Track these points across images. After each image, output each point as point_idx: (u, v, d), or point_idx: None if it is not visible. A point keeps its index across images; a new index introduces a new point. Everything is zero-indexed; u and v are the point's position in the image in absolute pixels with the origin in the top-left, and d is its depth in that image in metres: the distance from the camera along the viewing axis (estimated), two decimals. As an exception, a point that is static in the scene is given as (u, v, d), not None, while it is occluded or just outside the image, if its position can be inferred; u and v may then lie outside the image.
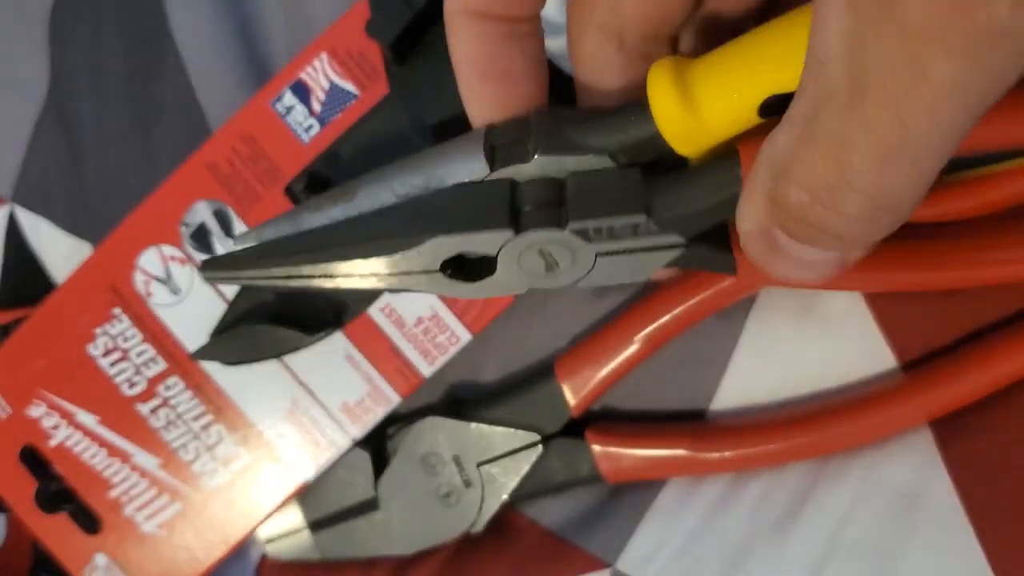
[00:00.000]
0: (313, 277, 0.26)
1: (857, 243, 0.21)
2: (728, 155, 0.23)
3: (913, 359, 0.35)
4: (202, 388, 0.37)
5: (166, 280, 0.36)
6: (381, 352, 0.36)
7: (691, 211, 0.23)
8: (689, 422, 0.37)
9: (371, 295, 0.36)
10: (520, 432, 0.36)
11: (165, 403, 0.37)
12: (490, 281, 0.25)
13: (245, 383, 0.36)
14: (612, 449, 0.36)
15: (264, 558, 0.40)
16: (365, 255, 0.25)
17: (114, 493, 0.37)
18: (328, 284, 0.26)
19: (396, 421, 0.38)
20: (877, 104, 0.18)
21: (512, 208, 0.24)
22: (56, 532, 0.38)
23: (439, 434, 0.37)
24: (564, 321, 0.38)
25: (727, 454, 0.35)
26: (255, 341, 0.35)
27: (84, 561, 0.38)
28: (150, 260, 0.36)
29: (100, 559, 0.38)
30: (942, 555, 0.32)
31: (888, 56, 0.17)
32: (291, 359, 0.36)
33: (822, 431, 0.34)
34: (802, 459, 0.35)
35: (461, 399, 0.39)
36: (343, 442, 0.37)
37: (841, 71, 0.18)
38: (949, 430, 0.34)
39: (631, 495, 0.37)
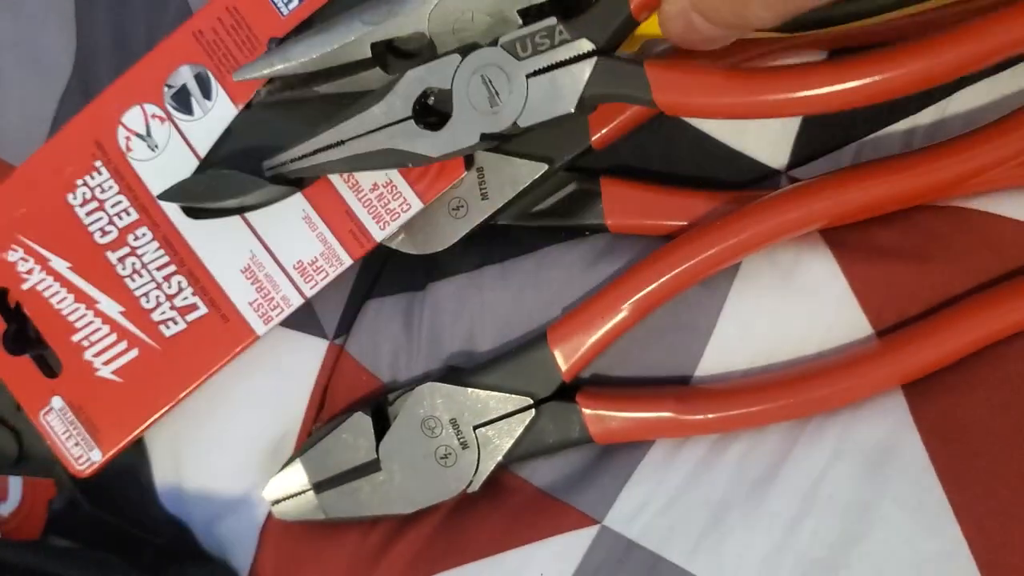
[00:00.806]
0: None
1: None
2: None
3: (887, 326, 0.37)
4: (168, 240, 0.39)
5: (146, 136, 0.39)
6: (337, 214, 0.38)
7: (595, 13, 0.27)
8: (674, 386, 0.39)
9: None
10: (514, 396, 0.38)
11: (133, 252, 0.39)
12: (450, 129, 0.30)
13: (208, 236, 0.39)
14: (601, 412, 0.38)
15: (270, 517, 0.42)
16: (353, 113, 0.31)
17: (76, 337, 0.39)
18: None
19: (396, 390, 0.41)
20: None
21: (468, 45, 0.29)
22: (19, 374, 0.40)
23: (437, 399, 0.39)
24: (556, 291, 0.40)
25: (710, 416, 0.37)
26: (216, 184, 0.37)
27: (43, 404, 0.40)
28: (133, 117, 0.39)
29: (56, 401, 0.39)
30: (912, 510, 0.34)
31: None
32: (252, 217, 0.38)
33: (800, 394, 0.36)
34: (781, 421, 0.37)
35: (458, 367, 0.41)
36: (295, 300, 0.39)
37: None
38: (920, 393, 0.36)
39: (619, 456, 0.39)
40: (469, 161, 0.38)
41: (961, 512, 0.33)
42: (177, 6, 0.43)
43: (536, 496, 0.39)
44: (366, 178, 0.38)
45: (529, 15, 0.33)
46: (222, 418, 0.43)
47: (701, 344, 0.39)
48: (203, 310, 0.39)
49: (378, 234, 0.38)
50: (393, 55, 0.36)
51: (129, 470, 0.45)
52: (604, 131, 0.39)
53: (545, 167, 0.39)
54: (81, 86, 0.44)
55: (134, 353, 0.39)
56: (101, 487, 0.45)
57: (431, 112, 0.31)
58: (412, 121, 0.31)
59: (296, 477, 0.40)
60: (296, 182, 0.38)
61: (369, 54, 0.35)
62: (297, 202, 0.38)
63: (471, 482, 0.39)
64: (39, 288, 0.40)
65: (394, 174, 0.38)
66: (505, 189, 0.39)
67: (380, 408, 0.40)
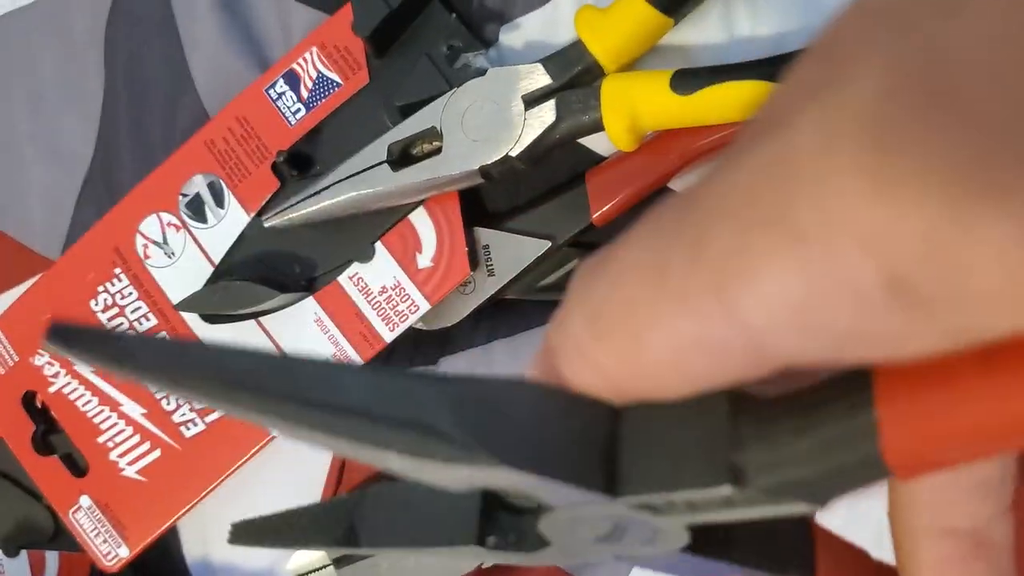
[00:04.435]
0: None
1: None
2: (855, 380, 0.15)
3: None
4: (186, 344, 0.40)
5: (162, 244, 0.40)
6: (347, 317, 0.39)
7: (803, 478, 0.15)
8: None
9: (342, 265, 0.39)
10: None
11: (153, 356, 0.41)
12: (551, 550, 0.18)
13: (224, 339, 0.40)
14: None
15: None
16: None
17: (102, 439, 0.41)
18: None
19: None
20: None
21: None
22: (48, 474, 0.41)
23: None
24: None
25: None
26: (231, 295, 0.38)
27: (72, 501, 0.41)
28: (150, 226, 0.40)
29: (84, 500, 0.41)
30: None
31: None
32: (266, 320, 0.40)
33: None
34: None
35: None
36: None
37: None
38: None
39: None
40: (474, 261, 0.39)
41: None
42: (190, 101, 0.44)
43: (550, 570, 0.40)
44: (375, 281, 0.39)
45: (533, 100, 0.36)
46: (245, 494, 0.44)
47: None
48: (220, 412, 0.40)
49: (387, 336, 0.39)
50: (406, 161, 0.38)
51: (161, 545, 0.47)
52: (604, 208, 0.39)
53: (548, 244, 0.40)
54: (103, 175, 0.46)
55: (157, 454, 0.41)
56: (134, 562, 0.47)
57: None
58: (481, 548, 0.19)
59: (317, 552, 0.41)
60: (307, 287, 0.39)
61: (384, 157, 0.37)
62: (309, 306, 0.39)
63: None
64: (65, 391, 0.41)
65: (402, 276, 0.39)
66: (510, 266, 0.40)
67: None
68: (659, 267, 0.14)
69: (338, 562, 0.41)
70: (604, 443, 0.16)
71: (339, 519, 0.19)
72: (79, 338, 0.14)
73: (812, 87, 0.13)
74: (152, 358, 0.14)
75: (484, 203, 0.40)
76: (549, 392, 0.16)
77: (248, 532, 0.20)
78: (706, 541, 0.17)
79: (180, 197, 0.40)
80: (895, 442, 0.14)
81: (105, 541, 0.41)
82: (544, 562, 0.18)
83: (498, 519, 0.17)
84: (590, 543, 0.17)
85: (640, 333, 0.14)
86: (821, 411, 0.15)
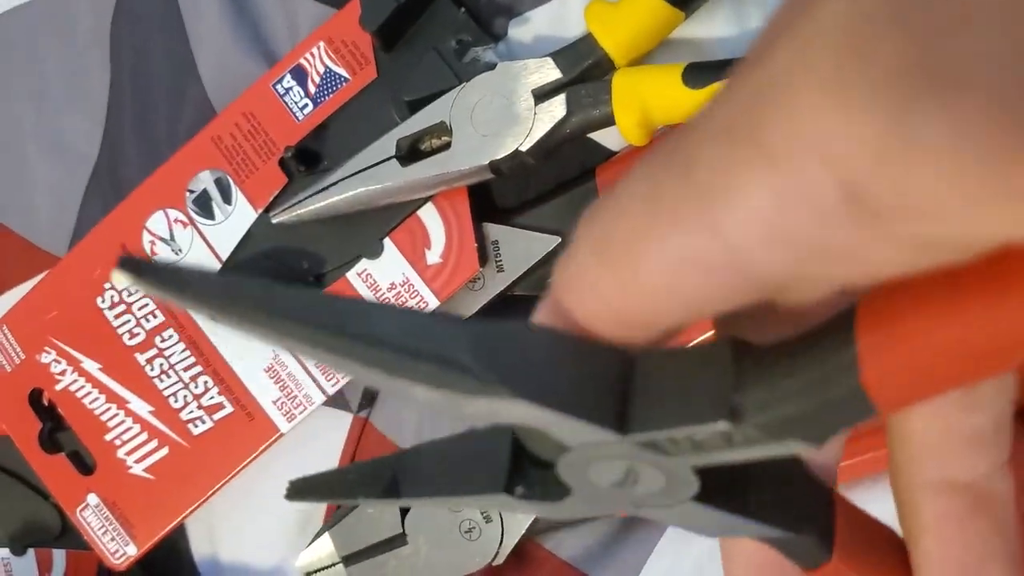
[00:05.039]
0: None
1: None
2: (841, 320, 0.15)
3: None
4: (194, 341, 0.40)
5: (169, 240, 0.40)
6: (356, 314, 0.39)
7: (793, 414, 0.16)
8: None
9: (351, 262, 0.39)
10: None
11: (160, 353, 0.40)
12: (573, 500, 0.18)
13: (232, 337, 0.40)
14: None
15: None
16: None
17: (109, 436, 0.41)
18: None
19: None
20: None
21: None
22: (55, 472, 0.41)
23: None
24: None
25: None
26: (239, 291, 0.38)
27: (79, 499, 0.41)
28: (157, 222, 0.40)
29: (92, 498, 0.41)
30: None
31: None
32: (275, 317, 0.39)
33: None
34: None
35: None
36: (317, 398, 0.40)
37: None
38: None
39: (642, 528, 0.39)
40: (483, 257, 0.39)
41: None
42: (196, 97, 0.44)
43: (561, 568, 0.40)
44: (384, 277, 0.39)
45: (543, 95, 0.36)
46: (253, 491, 0.44)
47: None
48: (229, 409, 0.40)
49: (397, 332, 0.39)
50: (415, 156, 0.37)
51: (169, 543, 0.47)
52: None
53: (558, 239, 0.40)
54: (109, 172, 0.45)
55: (164, 451, 0.40)
56: (142, 560, 0.47)
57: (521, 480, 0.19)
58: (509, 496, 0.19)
59: (326, 550, 0.41)
60: (316, 283, 0.39)
61: (393, 152, 0.37)
62: (317, 303, 0.39)
63: (496, 554, 0.39)
64: (72, 389, 0.41)
65: (411, 273, 0.39)
66: (520, 262, 0.40)
67: None
68: (654, 193, 0.15)
69: (347, 560, 0.41)
70: (616, 385, 0.17)
71: (383, 474, 0.20)
72: (146, 269, 0.15)
73: (789, 20, 0.13)
74: (207, 289, 0.15)
75: (493, 198, 0.40)
76: (565, 337, 0.17)
77: (303, 489, 0.21)
78: (724, 495, 0.18)
79: (187, 193, 0.40)
80: (874, 373, 0.14)
81: (113, 539, 0.41)
82: (567, 513, 0.19)
83: (526, 472, 0.18)
84: (608, 491, 0.18)
85: (638, 257, 0.15)
86: (810, 351, 0.15)
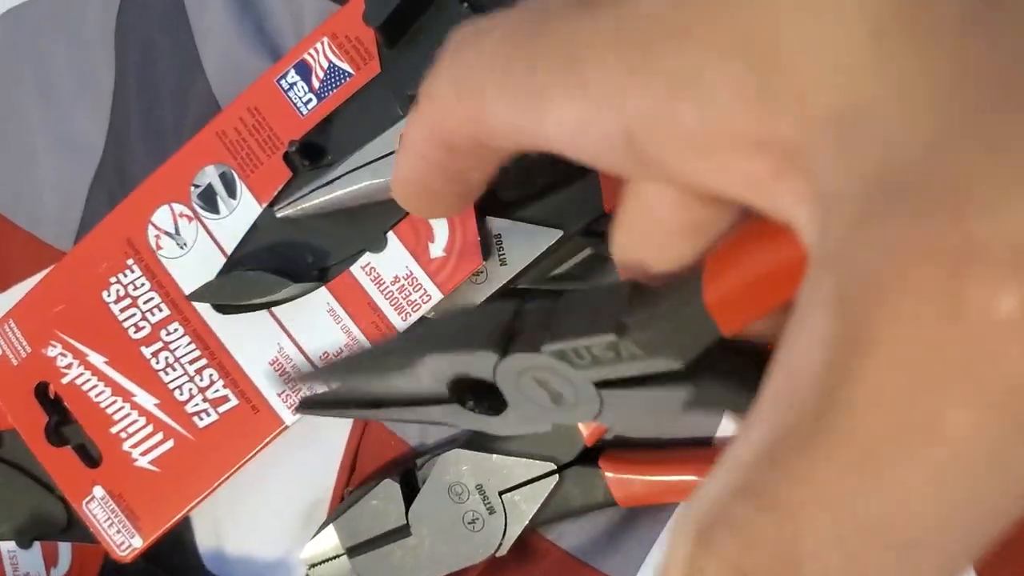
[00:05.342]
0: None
1: None
2: (699, 262, 0.19)
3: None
4: (199, 334, 0.40)
5: (174, 235, 0.40)
6: (360, 306, 0.39)
7: (661, 332, 0.19)
8: (697, 447, 0.40)
9: (355, 255, 0.39)
10: (537, 462, 0.39)
11: (166, 347, 0.41)
12: (510, 415, 0.23)
13: (237, 330, 0.40)
14: (624, 476, 0.39)
15: (307, 579, 0.44)
16: (381, 378, 0.24)
17: (115, 429, 0.41)
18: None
19: (424, 455, 0.42)
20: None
21: (507, 331, 0.22)
22: (61, 464, 0.41)
23: (463, 465, 0.40)
24: None
25: None
26: (244, 285, 0.38)
27: (85, 492, 0.41)
28: (162, 217, 0.40)
29: (98, 491, 0.41)
30: None
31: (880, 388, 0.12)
32: (278, 310, 0.40)
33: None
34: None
35: (483, 433, 0.42)
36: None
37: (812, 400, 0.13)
38: None
39: (645, 519, 0.40)
40: (486, 251, 0.39)
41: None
42: (202, 91, 0.44)
43: (564, 559, 0.40)
44: (387, 271, 0.39)
45: None
46: (257, 484, 0.44)
47: None
48: (234, 402, 0.40)
49: (400, 325, 0.39)
50: None
51: (174, 535, 0.47)
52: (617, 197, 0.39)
53: (560, 233, 0.40)
54: (115, 166, 0.46)
55: (170, 444, 0.41)
56: (147, 551, 0.47)
57: (482, 398, 0.24)
58: (458, 406, 0.24)
59: (330, 542, 0.42)
60: (320, 277, 0.39)
61: (396, 146, 0.37)
62: (322, 296, 0.39)
63: (499, 546, 0.40)
64: (78, 382, 0.41)
65: (415, 266, 0.39)
66: (523, 255, 0.40)
67: (408, 474, 0.42)
68: (507, 66, 0.18)
69: (351, 551, 0.41)
70: (504, 325, 0.22)
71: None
72: (318, 403, 0.24)
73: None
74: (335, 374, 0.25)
75: (496, 192, 0.40)
76: (473, 309, 0.23)
77: (313, 403, 0.26)
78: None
79: (192, 188, 0.40)
80: (713, 297, 0.18)
81: (119, 531, 0.41)
82: (506, 428, 0.23)
83: (480, 395, 0.23)
84: (539, 410, 0.22)
85: (484, 107, 0.18)
86: (678, 283, 0.19)
